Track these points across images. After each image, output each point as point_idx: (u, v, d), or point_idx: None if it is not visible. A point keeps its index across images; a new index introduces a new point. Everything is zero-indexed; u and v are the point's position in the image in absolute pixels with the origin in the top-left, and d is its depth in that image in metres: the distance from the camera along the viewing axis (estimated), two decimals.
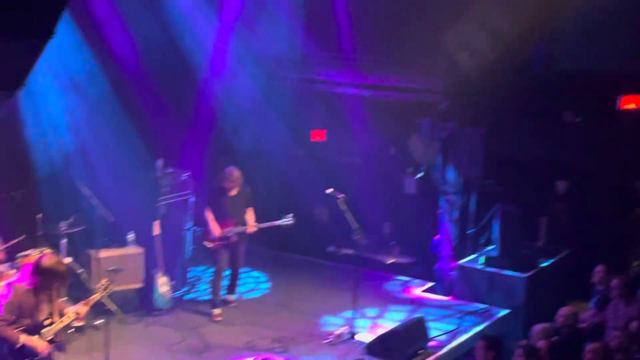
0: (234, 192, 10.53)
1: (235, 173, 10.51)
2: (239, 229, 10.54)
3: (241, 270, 11.13)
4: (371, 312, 10.95)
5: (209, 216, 10.48)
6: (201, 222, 10.77)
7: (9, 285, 6.96)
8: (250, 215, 10.66)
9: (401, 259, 12.99)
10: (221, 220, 10.48)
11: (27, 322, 6.91)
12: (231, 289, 11.01)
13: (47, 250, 7.85)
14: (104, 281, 7.58)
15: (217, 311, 10.59)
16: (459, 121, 11.90)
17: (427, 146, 12.21)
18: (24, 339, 6.83)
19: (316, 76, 13.09)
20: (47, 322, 7.05)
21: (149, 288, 10.69)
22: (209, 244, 10.55)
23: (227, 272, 10.86)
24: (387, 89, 12.33)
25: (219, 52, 12.64)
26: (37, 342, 6.92)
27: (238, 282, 11.08)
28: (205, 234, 10.58)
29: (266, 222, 10.63)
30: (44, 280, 6.94)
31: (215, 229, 10.43)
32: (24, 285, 6.93)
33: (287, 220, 10.60)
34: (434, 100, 11.96)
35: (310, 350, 9.68)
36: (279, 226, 10.65)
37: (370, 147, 13.05)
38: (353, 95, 12.67)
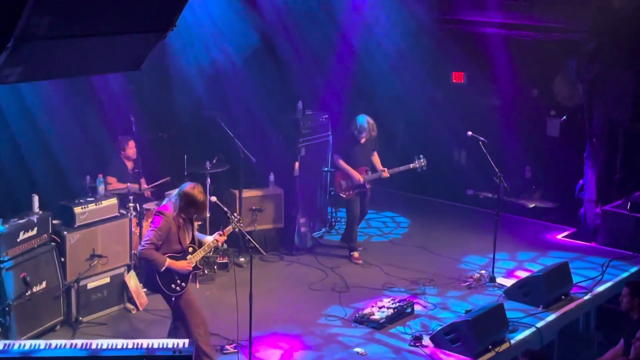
0: (364, 140, 10.50)
1: (369, 121, 10.47)
2: (375, 175, 10.55)
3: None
4: (512, 256, 10.80)
5: (345, 165, 10.49)
6: (335, 172, 10.79)
7: (158, 213, 7.28)
8: (376, 160, 10.65)
9: (543, 203, 12.70)
10: (355, 169, 10.49)
11: (176, 247, 7.26)
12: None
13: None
14: (236, 214, 7.80)
15: (356, 254, 10.69)
16: (606, 62, 11.42)
17: (572, 88, 11.81)
18: (169, 262, 7.17)
19: (457, 16, 12.80)
20: (190, 249, 7.39)
21: (289, 228, 10.90)
22: (345, 194, 10.59)
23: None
24: (530, 29, 11.92)
25: None
26: (181, 264, 7.26)
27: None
28: (341, 184, 10.57)
29: (400, 165, 10.61)
30: (184, 206, 7.25)
31: (357, 176, 10.45)
32: (171, 212, 7.25)
33: (420, 162, 10.54)
34: (580, 40, 11.49)
35: (449, 293, 9.65)
36: (413, 169, 10.62)
37: (512, 89, 12.72)
38: (494, 35, 12.33)
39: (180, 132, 10.84)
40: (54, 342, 5.91)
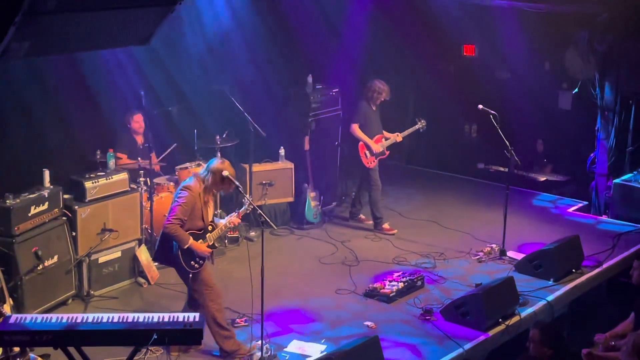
0: (380, 102, 10.53)
1: (385, 86, 10.48)
2: (389, 141, 10.59)
3: None
4: (522, 230, 10.77)
5: (363, 135, 10.49)
6: (351, 144, 10.76)
7: (185, 188, 7.29)
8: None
9: (555, 176, 12.65)
10: (372, 136, 10.51)
11: (199, 224, 7.31)
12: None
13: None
14: (249, 198, 7.81)
15: (387, 224, 10.72)
16: (619, 34, 11.31)
17: (584, 60, 11.70)
18: (191, 241, 7.21)
19: None
20: (209, 227, 7.42)
21: (300, 202, 10.91)
22: (371, 164, 10.57)
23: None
24: (542, 1, 11.80)
25: None
26: (201, 247, 7.31)
27: None
28: (365, 154, 10.54)
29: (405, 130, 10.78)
30: (215, 182, 7.29)
31: (375, 147, 10.46)
32: (197, 188, 7.26)
33: (421, 123, 10.76)
34: (592, 12, 11.36)
35: (460, 267, 9.65)
36: (417, 130, 10.77)
37: (523, 62, 12.62)
38: (505, 8, 12.21)
39: (190, 106, 10.82)
40: (66, 316, 5.93)
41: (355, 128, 10.53)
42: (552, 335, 6.97)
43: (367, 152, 10.55)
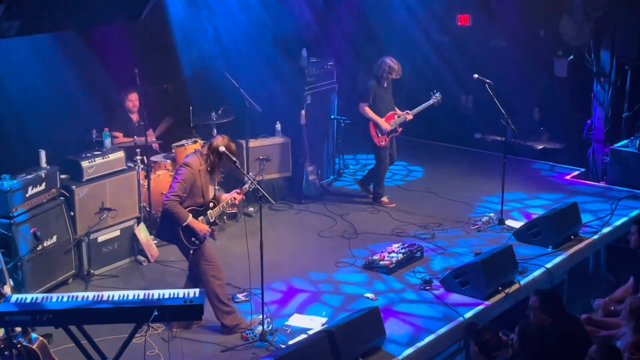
0: (391, 78, 10.46)
1: (395, 64, 10.36)
2: (400, 119, 10.55)
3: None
4: (520, 198, 10.79)
5: (373, 115, 10.41)
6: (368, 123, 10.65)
7: (184, 164, 7.28)
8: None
9: (552, 144, 12.64)
10: (383, 115, 10.46)
11: (199, 200, 7.30)
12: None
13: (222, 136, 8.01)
14: (253, 174, 7.80)
15: (386, 198, 10.74)
16: (614, 0, 11.27)
17: (579, 27, 11.65)
18: (190, 219, 7.20)
19: None
20: (211, 204, 7.40)
21: (297, 177, 10.90)
22: (382, 143, 10.54)
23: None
24: None
25: None
26: (200, 225, 7.30)
27: None
28: (377, 133, 10.45)
29: (416, 107, 10.65)
30: (218, 159, 7.28)
31: (385, 125, 10.43)
32: (197, 165, 7.25)
33: (437, 97, 10.60)
34: None
35: (458, 237, 9.67)
36: (432, 105, 10.66)
37: (518, 30, 12.57)
38: None
39: (185, 83, 10.78)
40: (66, 295, 5.96)
41: (364, 107, 10.44)
42: (552, 302, 6.99)
43: (378, 131, 10.50)
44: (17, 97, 8.99)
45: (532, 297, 7.10)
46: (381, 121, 10.43)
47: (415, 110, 10.65)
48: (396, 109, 10.62)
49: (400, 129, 10.68)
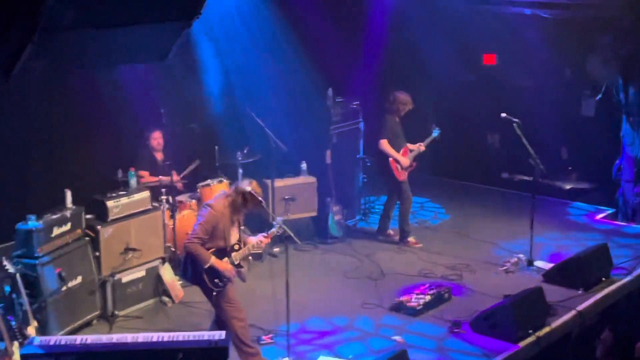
0: (399, 119, 10.49)
1: (407, 96, 10.45)
2: (414, 153, 10.54)
3: None
4: (549, 239, 10.63)
5: (392, 151, 10.42)
6: (376, 156, 10.66)
7: (207, 205, 7.23)
8: None
9: (580, 184, 12.50)
10: (399, 149, 10.44)
11: (220, 243, 7.20)
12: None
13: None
14: (282, 218, 7.73)
15: (412, 238, 10.66)
16: None
17: (606, 65, 11.57)
18: (213, 260, 7.12)
19: None
20: (235, 247, 7.32)
21: (323, 216, 10.83)
22: (400, 176, 10.49)
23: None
24: (562, 7, 11.69)
25: None
26: (225, 265, 7.20)
27: None
28: (397, 168, 10.45)
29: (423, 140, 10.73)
30: (243, 203, 7.23)
31: (404, 160, 10.41)
32: (221, 207, 7.18)
33: (435, 132, 10.69)
34: (614, 16, 11.24)
35: (486, 278, 9.52)
36: (434, 139, 10.73)
37: (545, 69, 12.51)
38: (525, 14, 12.11)
39: (211, 123, 10.78)
40: (90, 337, 5.89)
41: (385, 144, 10.43)
42: (626, 345, 6.72)
43: (398, 166, 10.46)
44: (42, 136, 9.01)
45: (607, 331, 6.84)
46: (400, 157, 10.43)
47: (425, 143, 10.69)
48: (407, 143, 10.63)
49: (415, 163, 10.63)
